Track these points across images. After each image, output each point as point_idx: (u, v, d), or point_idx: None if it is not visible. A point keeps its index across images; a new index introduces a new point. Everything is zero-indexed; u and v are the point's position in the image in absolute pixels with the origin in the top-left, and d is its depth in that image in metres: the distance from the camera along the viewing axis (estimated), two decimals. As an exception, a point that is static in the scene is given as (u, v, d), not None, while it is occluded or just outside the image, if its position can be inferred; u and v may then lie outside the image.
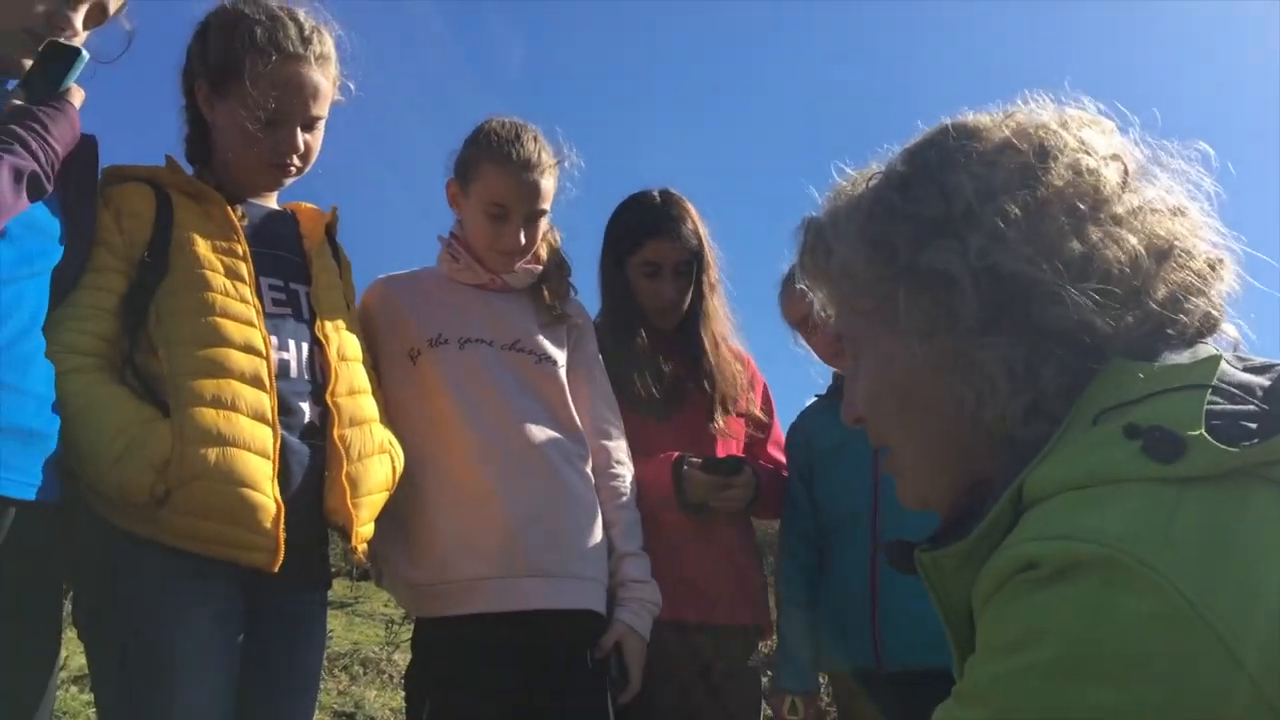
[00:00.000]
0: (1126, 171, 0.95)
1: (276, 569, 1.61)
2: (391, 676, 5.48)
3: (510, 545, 1.95)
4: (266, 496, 1.60)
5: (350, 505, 1.73)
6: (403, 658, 5.73)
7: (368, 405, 1.85)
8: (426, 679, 1.97)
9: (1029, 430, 0.91)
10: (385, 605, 7.03)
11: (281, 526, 1.60)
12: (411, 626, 2.14)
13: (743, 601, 2.36)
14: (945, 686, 2.26)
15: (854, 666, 2.24)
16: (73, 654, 4.73)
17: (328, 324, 1.83)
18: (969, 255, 0.91)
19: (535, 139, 2.11)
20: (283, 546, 1.60)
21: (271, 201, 1.93)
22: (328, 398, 1.76)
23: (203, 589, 1.63)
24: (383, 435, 1.85)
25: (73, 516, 1.59)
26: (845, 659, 2.26)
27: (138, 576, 1.61)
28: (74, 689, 4.32)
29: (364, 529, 1.80)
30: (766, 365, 2.69)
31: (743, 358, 2.55)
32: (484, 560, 1.94)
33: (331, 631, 3.87)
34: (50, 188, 1.47)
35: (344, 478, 1.73)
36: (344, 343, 1.85)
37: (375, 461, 1.81)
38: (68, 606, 1.65)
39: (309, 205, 2.00)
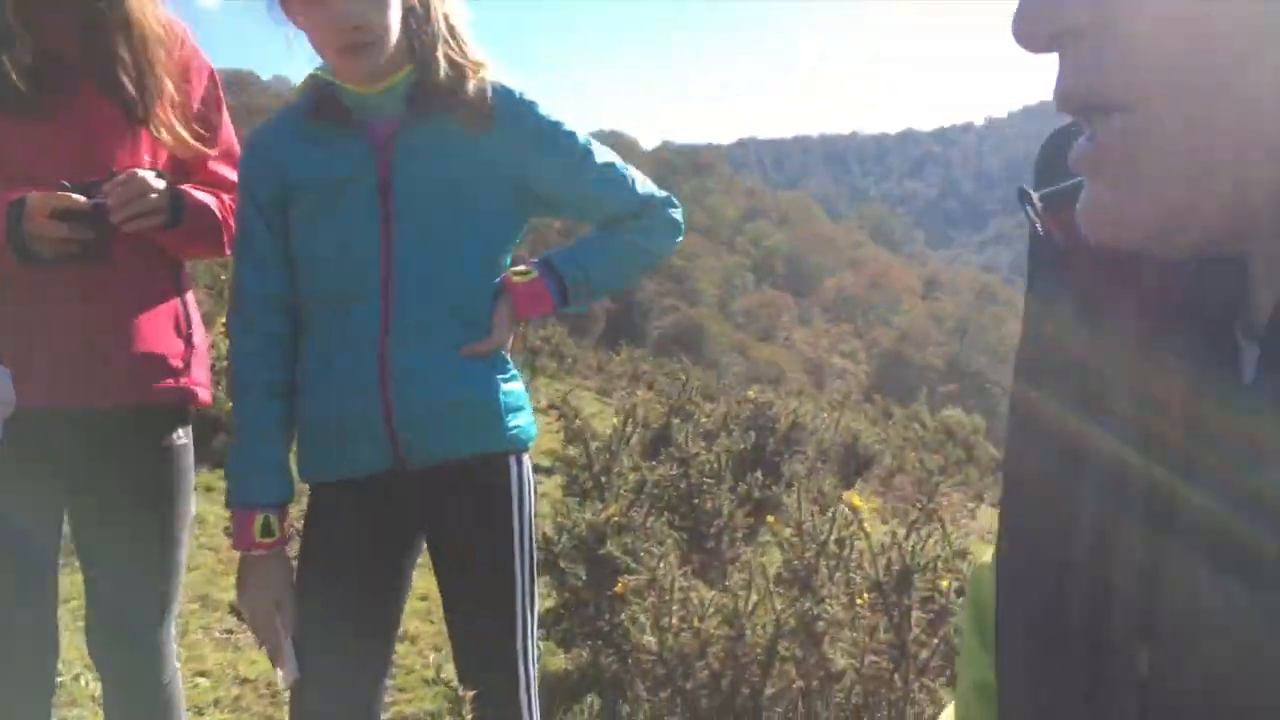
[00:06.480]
0: None
1: None
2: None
3: None
4: None
5: None
6: None
7: None
8: None
9: None
10: None
11: None
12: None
13: (110, 373, 1.63)
14: (471, 476, 1.53)
15: (368, 471, 1.54)
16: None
17: None
18: None
19: None
20: None
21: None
22: None
23: None
24: None
25: None
26: (353, 463, 1.54)
27: None
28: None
29: None
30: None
31: (169, 24, 1.69)
32: None
33: None
34: None
35: None
36: None
37: None
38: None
39: None
